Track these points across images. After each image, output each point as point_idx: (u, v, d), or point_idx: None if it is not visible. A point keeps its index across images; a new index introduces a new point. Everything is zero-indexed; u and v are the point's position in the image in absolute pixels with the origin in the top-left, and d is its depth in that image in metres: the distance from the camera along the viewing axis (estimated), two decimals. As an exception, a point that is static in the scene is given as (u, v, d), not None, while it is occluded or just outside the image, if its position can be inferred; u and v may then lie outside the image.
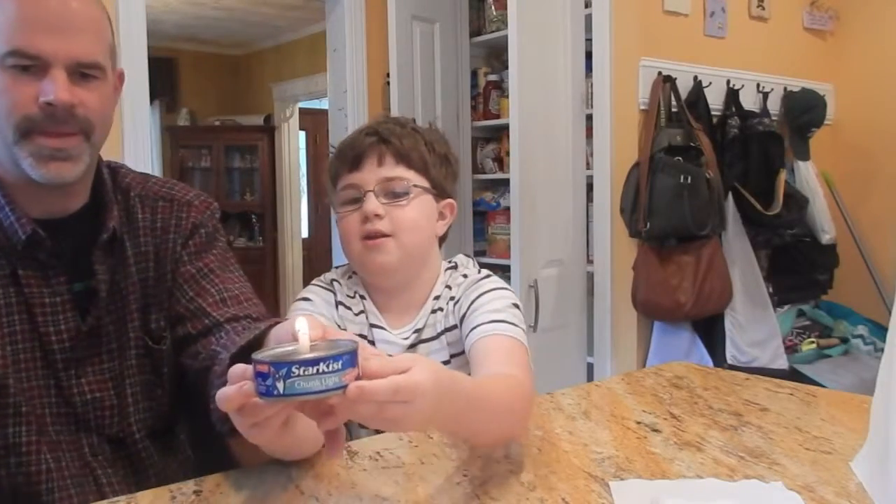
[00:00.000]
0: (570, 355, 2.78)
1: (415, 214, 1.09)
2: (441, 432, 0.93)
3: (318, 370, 0.60)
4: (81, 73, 0.89)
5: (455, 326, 1.10)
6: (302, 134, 6.35)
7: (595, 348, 2.79)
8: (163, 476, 1.01)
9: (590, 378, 2.77)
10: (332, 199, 1.16)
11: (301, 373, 0.59)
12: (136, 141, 2.40)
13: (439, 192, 1.13)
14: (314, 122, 6.38)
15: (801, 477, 0.83)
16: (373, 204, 1.06)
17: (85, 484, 0.95)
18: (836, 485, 0.81)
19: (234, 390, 0.63)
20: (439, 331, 1.11)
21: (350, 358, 0.62)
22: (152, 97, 3.09)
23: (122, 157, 2.34)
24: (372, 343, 1.11)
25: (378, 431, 0.98)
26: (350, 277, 1.17)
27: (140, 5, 2.40)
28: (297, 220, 6.30)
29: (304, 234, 6.51)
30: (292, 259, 6.22)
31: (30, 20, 0.86)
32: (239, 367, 0.65)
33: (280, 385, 0.59)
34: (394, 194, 1.08)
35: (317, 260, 6.32)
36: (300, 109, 6.15)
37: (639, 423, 1.03)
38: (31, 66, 0.86)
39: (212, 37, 5.92)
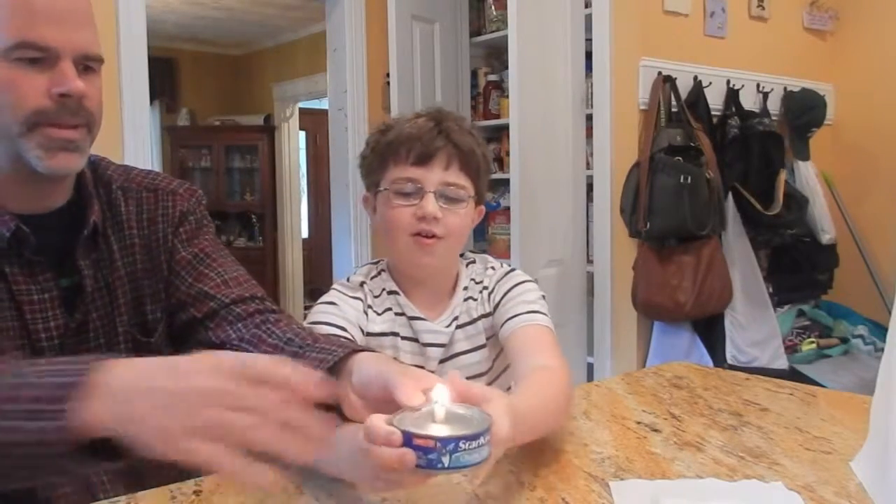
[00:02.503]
0: (570, 355, 2.76)
1: (465, 221, 1.16)
2: None
3: (479, 443, 0.64)
4: (85, 65, 0.89)
5: (490, 314, 1.19)
6: (302, 134, 6.35)
7: (595, 348, 2.80)
8: (154, 472, 1.00)
9: (590, 378, 2.77)
10: (374, 180, 1.16)
11: (466, 447, 0.64)
12: (136, 141, 2.41)
13: (479, 200, 1.19)
14: (314, 122, 6.38)
15: (801, 477, 0.83)
16: (433, 206, 1.10)
17: (77, 480, 0.94)
18: (836, 485, 0.81)
19: (394, 458, 0.64)
20: (474, 317, 1.19)
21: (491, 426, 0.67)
22: (152, 97, 3.09)
23: (122, 157, 2.34)
24: (415, 340, 1.16)
25: None
26: (376, 276, 1.20)
27: (140, 5, 2.40)
28: (297, 220, 6.29)
29: (304, 234, 6.50)
30: (292, 259, 6.21)
31: (36, 12, 0.85)
32: (384, 431, 0.65)
33: (446, 459, 0.63)
34: (451, 199, 1.12)
35: (317, 260, 6.32)
36: (300, 109, 6.15)
37: (639, 423, 1.03)
38: (39, 58, 0.85)
39: (212, 37, 5.92)
